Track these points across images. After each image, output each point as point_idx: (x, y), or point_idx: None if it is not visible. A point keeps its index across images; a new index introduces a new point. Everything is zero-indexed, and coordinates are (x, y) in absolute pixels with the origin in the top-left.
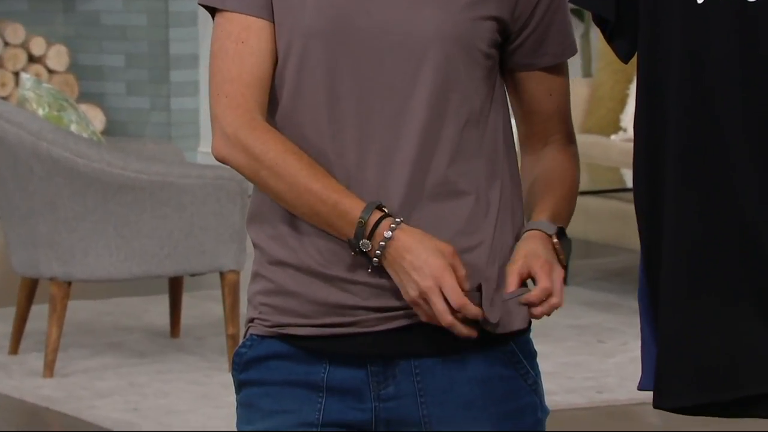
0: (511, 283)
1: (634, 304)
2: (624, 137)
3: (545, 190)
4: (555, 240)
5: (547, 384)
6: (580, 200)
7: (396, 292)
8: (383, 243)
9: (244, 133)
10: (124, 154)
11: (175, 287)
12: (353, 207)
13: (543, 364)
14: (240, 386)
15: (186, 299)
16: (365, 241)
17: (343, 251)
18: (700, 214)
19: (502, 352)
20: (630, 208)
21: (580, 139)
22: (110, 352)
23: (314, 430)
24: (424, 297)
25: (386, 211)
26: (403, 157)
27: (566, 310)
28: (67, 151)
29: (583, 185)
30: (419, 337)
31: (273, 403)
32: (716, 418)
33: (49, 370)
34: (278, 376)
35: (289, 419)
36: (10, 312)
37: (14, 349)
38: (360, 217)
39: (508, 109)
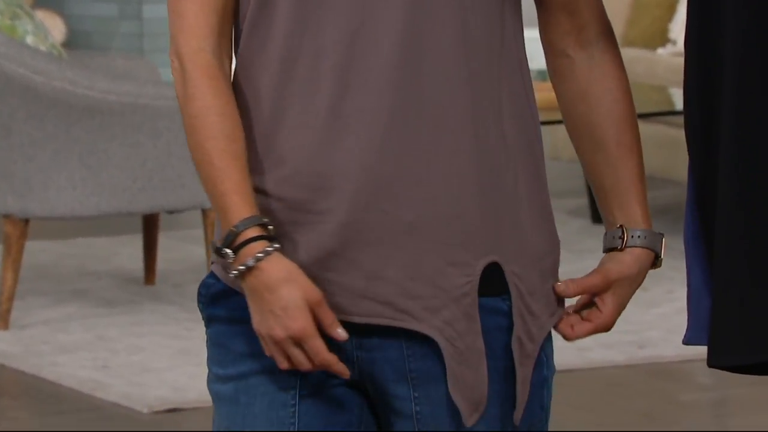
0: (571, 290)
1: (682, 245)
2: (673, 51)
3: (627, 160)
4: (659, 260)
5: (582, 339)
6: None
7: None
8: (243, 267)
9: (188, 65)
10: (89, 71)
11: (150, 226)
12: (236, 209)
13: None
14: (209, 321)
15: (162, 240)
16: (227, 250)
17: (318, 190)
18: (763, 141)
19: (503, 300)
20: (680, 134)
21: (621, 53)
22: (75, 301)
23: (293, 377)
24: (276, 344)
25: (268, 231)
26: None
27: None
28: (22, 67)
29: None
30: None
31: (245, 345)
32: None
33: (3, 321)
34: (248, 313)
35: (264, 363)
36: None
37: None
38: (234, 226)
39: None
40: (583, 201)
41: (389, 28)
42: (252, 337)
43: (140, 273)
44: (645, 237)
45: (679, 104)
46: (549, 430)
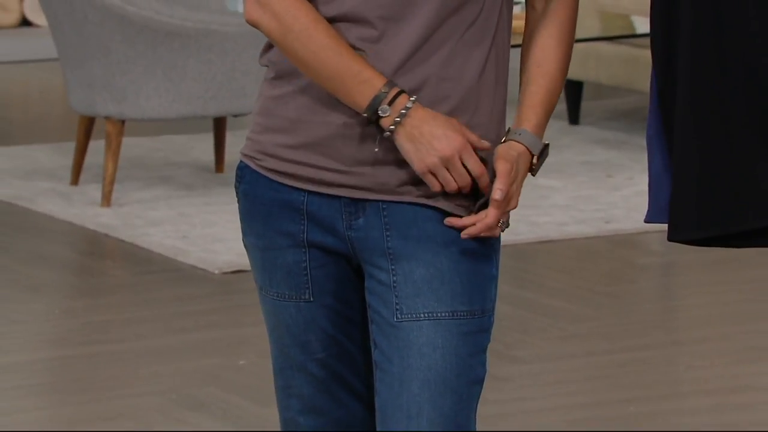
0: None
1: (641, 141)
2: None
3: (539, 78)
4: (535, 161)
5: (560, 216)
6: (593, 46)
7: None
8: (404, 111)
9: (276, 5)
10: (170, 3)
11: (219, 126)
12: (376, 78)
13: (556, 197)
14: (239, 198)
15: (229, 137)
16: (385, 106)
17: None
18: (711, 55)
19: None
20: (640, 53)
21: None
22: (161, 185)
23: (302, 249)
24: (445, 163)
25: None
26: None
27: (578, 148)
28: (118, 0)
29: (596, 32)
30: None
31: (264, 223)
32: (714, 248)
33: (106, 200)
34: (268, 194)
35: (277, 242)
36: (71, 147)
37: (75, 180)
38: (384, 85)
39: None
40: (561, 106)
41: None
42: (268, 217)
43: (212, 163)
44: (520, 135)
45: (639, 28)
46: (533, 290)
